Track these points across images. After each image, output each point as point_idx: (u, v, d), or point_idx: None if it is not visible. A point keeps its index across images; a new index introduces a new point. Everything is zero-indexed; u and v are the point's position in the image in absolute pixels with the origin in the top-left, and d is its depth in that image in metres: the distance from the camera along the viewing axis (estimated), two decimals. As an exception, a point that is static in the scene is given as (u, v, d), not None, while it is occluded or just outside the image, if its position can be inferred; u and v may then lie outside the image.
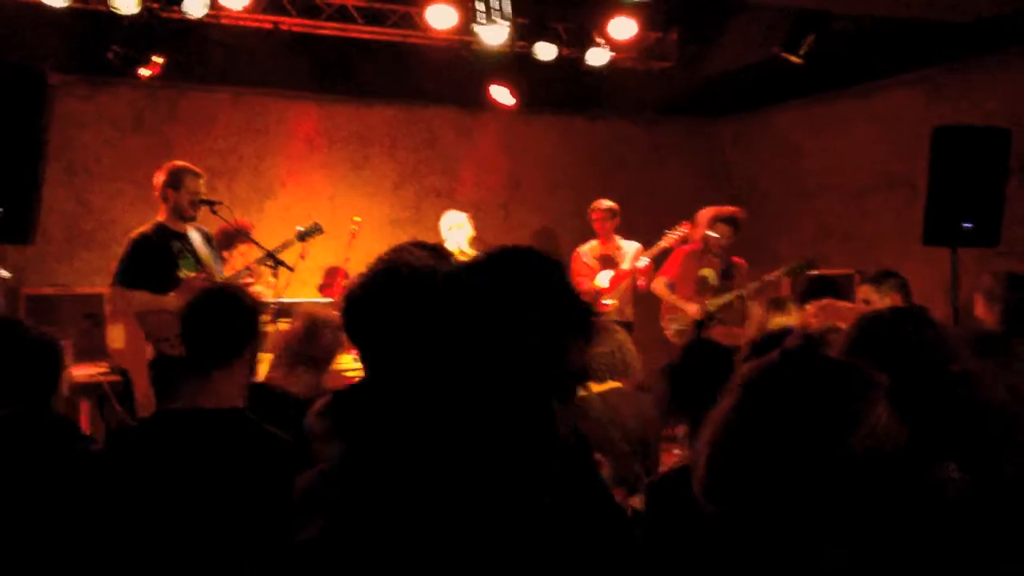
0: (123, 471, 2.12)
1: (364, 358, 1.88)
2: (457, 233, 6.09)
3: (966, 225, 5.44)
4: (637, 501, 2.72)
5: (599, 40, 6.87)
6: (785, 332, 2.50)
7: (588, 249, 6.70)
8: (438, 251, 2.43)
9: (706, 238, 6.14)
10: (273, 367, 3.12)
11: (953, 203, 5.43)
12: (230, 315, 2.30)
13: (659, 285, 6.34)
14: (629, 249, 6.58)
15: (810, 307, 3.62)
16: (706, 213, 6.24)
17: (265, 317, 6.00)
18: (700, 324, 6.09)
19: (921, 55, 6.85)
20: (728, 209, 6.24)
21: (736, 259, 6.28)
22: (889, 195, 7.37)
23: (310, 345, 3.08)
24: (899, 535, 1.22)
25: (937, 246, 5.61)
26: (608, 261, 6.61)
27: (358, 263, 6.34)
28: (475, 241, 6.09)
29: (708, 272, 6.21)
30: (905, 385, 1.26)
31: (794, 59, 6.15)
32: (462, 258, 5.13)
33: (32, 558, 2.20)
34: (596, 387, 3.26)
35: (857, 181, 7.67)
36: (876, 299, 4.09)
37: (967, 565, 1.35)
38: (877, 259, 7.11)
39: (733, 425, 1.22)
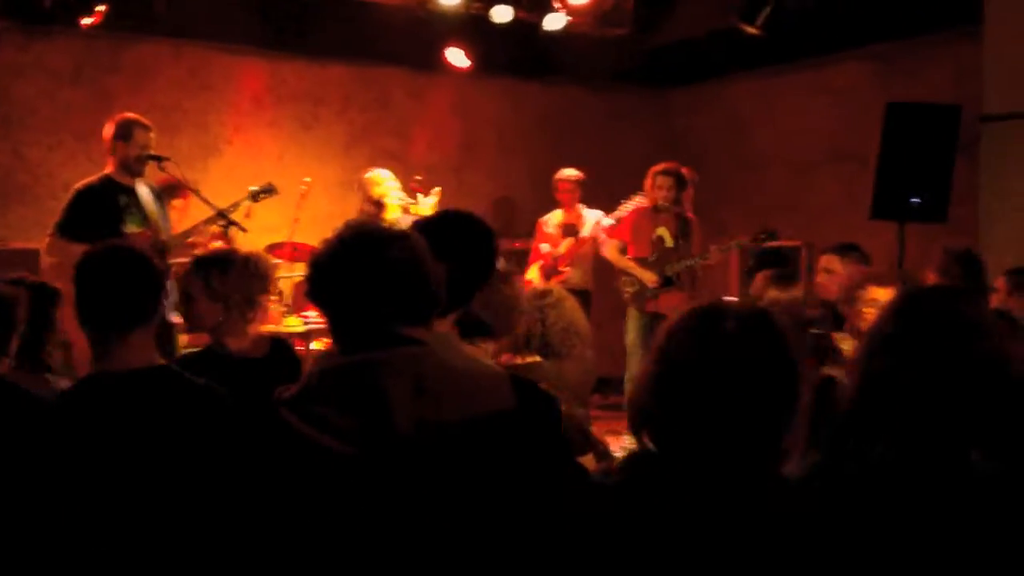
0: (50, 443, 2.06)
1: (331, 323, 1.83)
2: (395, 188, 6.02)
3: (914, 200, 5.54)
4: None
5: (556, 4, 6.79)
6: None
7: (551, 219, 6.70)
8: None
9: (653, 195, 6.14)
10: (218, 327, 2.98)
11: (902, 178, 5.53)
12: (126, 283, 2.17)
13: (610, 250, 6.30)
14: (590, 218, 6.57)
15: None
16: (651, 171, 6.25)
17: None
18: (642, 294, 6.09)
19: (872, 31, 6.91)
20: (668, 164, 6.24)
21: (691, 215, 6.27)
22: (837, 169, 7.46)
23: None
24: None
25: (885, 220, 5.70)
26: (570, 230, 6.60)
27: (307, 225, 6.21)
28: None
29: (663, 231, 6.19)
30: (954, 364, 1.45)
31: (751, 30, 6.15)
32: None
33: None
34: (527, 359, 3.25)
35: (805, 154, 7.75)
36: (840, 269, 4.16)
37: None
38: (823, 232, 7.20)
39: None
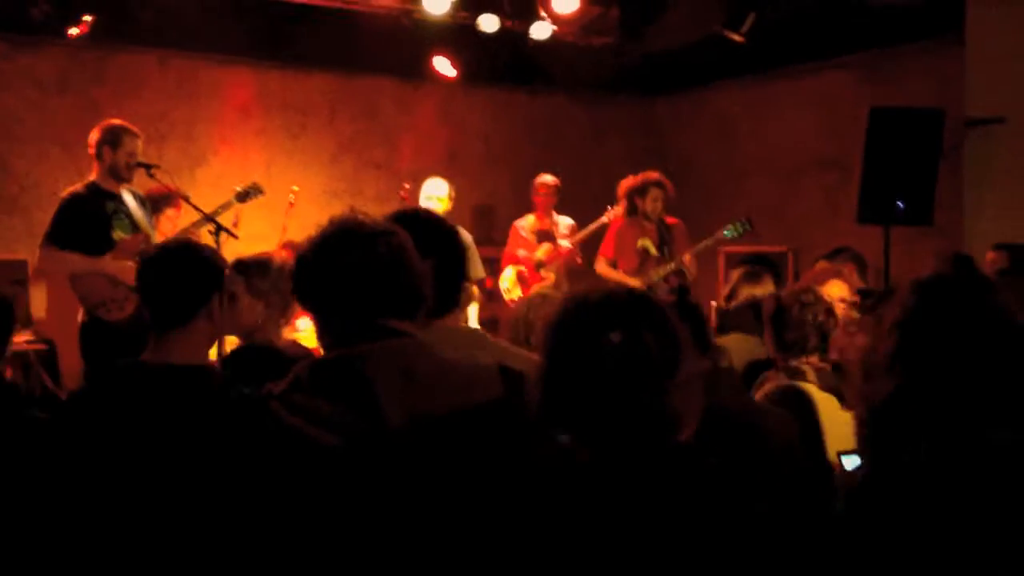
0: (78, 431, 2.03)
1: (318, 318, 1.84)
2: (433, 205, 5.96)
3: (899, 205, 5.57)
4: None
5: (542, 13, 6.83)
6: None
7: (526, 223, 6.69)
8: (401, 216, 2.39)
9: (641, 208, 6.14)
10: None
11: (887, 183, 5.55)
12: (184, 272, 2.18)
13: (601, 266, 6.31)
14: (563, 224, 6.59)
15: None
16: (626, 183, 6.25)
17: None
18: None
19: (854, 39, 6.98)
20: (650, 175, 6.24)
21: (670, 220, 6.26)
22: (821, 175, 7.52)
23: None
24: None
25: (871, 224, 5.74)
26: (545, 235, 6.61)
27: (295, 233, 6.21)
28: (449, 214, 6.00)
29: (646, 242, 6.20)
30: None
31: (736, 37, 6.20)
32: None
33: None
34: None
35: (790, 161, 7.81)
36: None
37: None
38: (808, 238, 7.27)
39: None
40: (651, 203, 6.10)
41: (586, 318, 1.52)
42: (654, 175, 6.17)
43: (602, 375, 1.48)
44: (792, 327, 2.98)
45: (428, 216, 2.24)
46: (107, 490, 1.91)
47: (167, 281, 2.17)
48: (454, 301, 2.20)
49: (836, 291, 3.72)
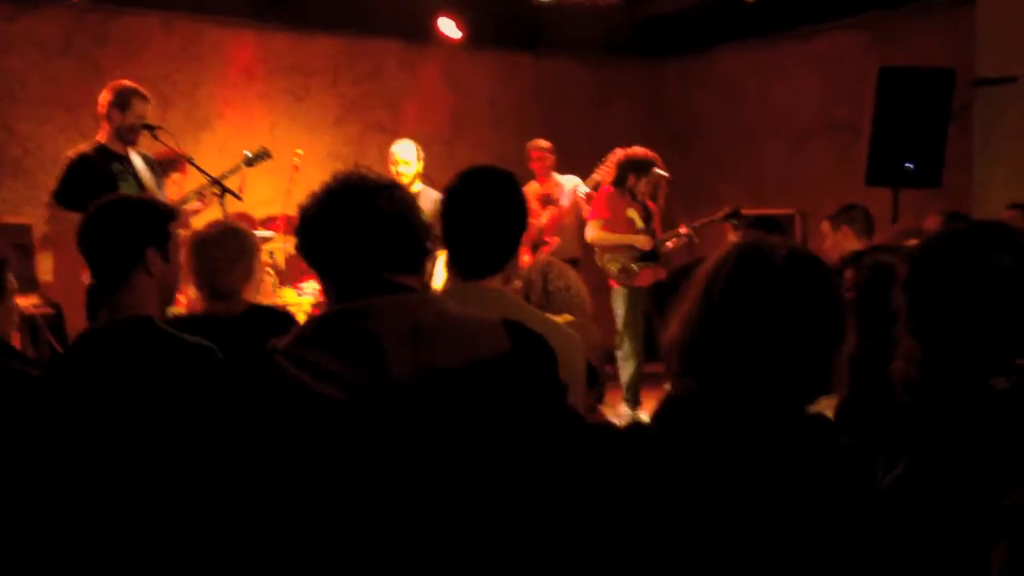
0: (48, 405, 2.05)
1: (322, 275, 1.82)
2: (400, 169, 5.91)
3: (908, 166, 5.53)
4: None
5: (548, -27, 6.76)
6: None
7: (529, 191, 6.64)
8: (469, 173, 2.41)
9: (631, 184, 6.11)
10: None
11: (896, 144, 5.50)
12: (113, 227, 2.16)
13: (595, 230, 6.23)
14: (567, 185, 6.54)
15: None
16: (626, 153, 6.19)
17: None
18: (629, 270, 6.11)
19: (864, -1, 6.89)
20: (655, 157, 6.20)
21: (650, 203, 6.26)
22: (829, 138, 7.45)
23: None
24: None
25: (879, 186, 5.69)
26: (548, 200, 6.58)
27: (300, 196, 6.17)
28: (422, 177, 5.97)
29: (633, 214, 6.20)
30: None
31: (744, -4, 6.11)
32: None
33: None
34: (555, 318, 3.28)
35: (798, 124, 7.74)
36: (831, 233, 4.21)
37: None
38: (816, 200, 7.21)
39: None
40: (645, 184, 6.09)
41: (765, 274, 1.45)
42: (657, 159, 6.13)
43: (767, 335, 1.41)
44: None
45: (497, 174, 2.26)
46: (90, 461, 1.92)
47: (98, 238, 2.15)
48: (500, 263, 2.22)
49: None
